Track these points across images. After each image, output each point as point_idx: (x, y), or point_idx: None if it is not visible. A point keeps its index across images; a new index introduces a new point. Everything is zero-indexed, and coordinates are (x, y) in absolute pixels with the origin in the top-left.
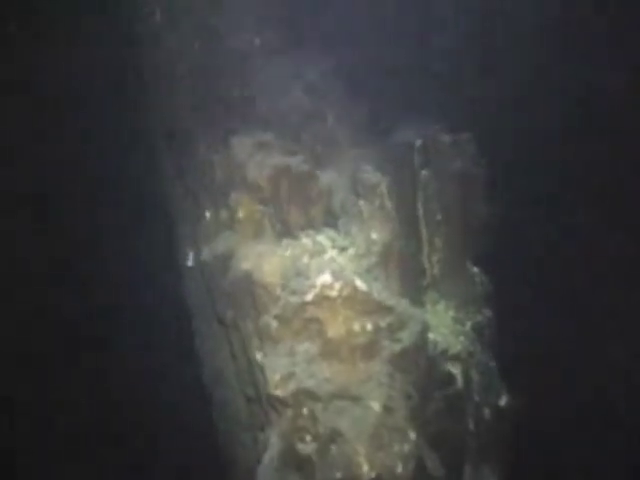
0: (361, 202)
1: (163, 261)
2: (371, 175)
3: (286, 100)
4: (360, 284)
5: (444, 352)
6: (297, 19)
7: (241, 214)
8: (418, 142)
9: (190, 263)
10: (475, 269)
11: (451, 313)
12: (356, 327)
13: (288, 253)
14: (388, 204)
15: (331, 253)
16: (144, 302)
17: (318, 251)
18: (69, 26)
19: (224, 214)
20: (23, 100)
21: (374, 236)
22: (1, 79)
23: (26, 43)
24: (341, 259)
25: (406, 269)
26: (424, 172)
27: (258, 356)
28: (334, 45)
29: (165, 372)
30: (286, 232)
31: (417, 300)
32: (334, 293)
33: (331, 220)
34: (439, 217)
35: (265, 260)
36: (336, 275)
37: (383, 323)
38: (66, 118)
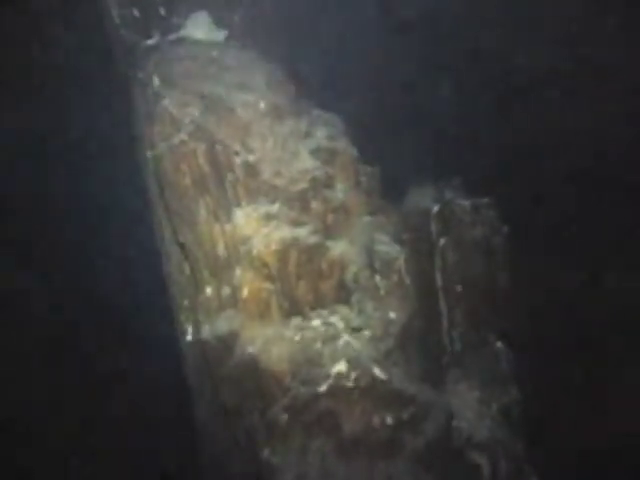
0: (377, 278)
1: (160, 334)
2: (388, 248)
3: (294, 165)
4: (379, 372)
5: (469, 439)
6: (306, 78)
7: (246, 292)
8: (435, 208)
9: (189, 337)
10: (499, 344)
11: (475, 393)
12: (375, 421)
13: (298, 337)
14: (406, 279)
15: (346, 337)
16: (140, 379)
17: (331, 335)
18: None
19: (227, 291)
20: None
21: (392, 316)
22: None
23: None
24: (357, 343)
25: (426, 348)
26: (442, 240)
27: (266, 452)
28: (345, 104)
29: (161, 454)
30: (295, 311)
31: (438, 381)
32: (350, 384)
33: (343, 295)
34: (459, 289)
35: (273, 345)
36: (352, 363)
37: (405, 415)
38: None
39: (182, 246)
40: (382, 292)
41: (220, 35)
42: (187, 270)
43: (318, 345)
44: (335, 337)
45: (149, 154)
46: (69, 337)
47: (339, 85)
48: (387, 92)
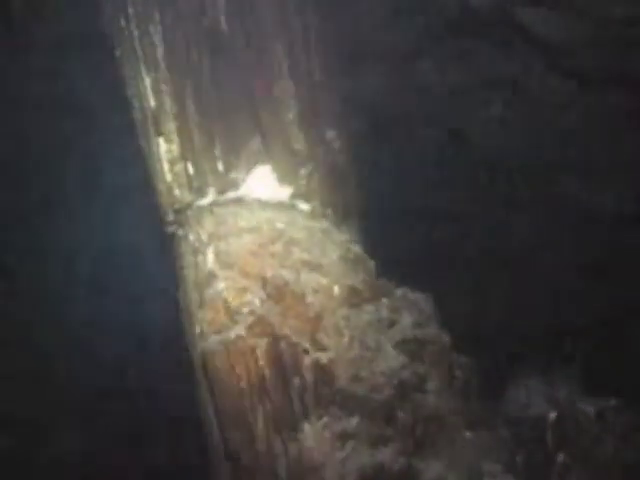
0: None
1: None
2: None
3: (375, 365)
4: None
5: None
6: (387, 251)
7: None
8: (552, 415)
9: None
10: None
11: None
12: None
13: None
14: None
15: None
16: None
17: None
18: None
19: None
20: None
21: None
22: None
23: None
24: None
25: None
26: (561, 456)
27: None
28: (430, 279)
29: None
30: None
31: None
32: None
33: None
34: None
35: None
36: None
37: None
38: None
39: (233, 459)
40: None
41: (284, 192)
42: None
43: None
44: None
45: (199, 342)
46: None
47: (424, 258)
48: (477, 263)
